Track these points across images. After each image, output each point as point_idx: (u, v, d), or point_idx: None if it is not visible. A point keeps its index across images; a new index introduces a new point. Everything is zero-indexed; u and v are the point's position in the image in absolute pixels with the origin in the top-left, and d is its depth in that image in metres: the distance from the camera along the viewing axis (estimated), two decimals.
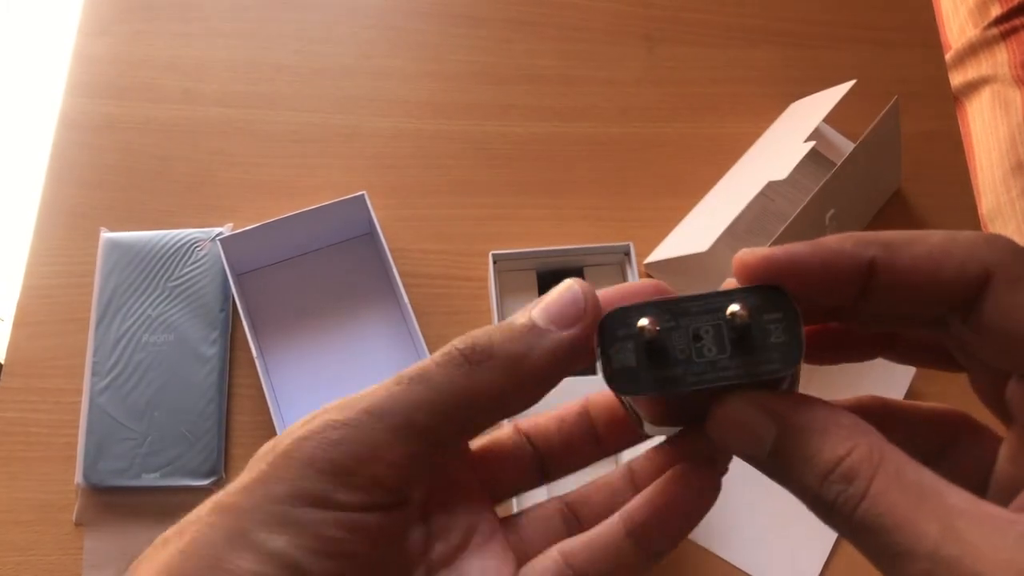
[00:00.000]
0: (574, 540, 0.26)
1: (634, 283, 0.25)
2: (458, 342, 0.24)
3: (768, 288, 0.23)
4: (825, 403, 0.22)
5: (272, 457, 0.23)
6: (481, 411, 0.24)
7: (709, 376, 0.23)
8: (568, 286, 0.24)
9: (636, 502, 0.25)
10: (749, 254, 0.23)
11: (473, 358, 0.23)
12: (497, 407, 0.24)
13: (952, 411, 0.26)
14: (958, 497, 0.20)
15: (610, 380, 0.23)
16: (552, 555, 0.25)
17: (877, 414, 0.26)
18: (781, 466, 0.22)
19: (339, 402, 0.24)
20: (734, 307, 0.22)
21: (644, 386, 0.23)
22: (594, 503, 0.28)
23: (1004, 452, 0.23)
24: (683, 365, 0.23)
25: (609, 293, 0.25)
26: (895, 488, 0.20)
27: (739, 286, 0.23)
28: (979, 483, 0.24)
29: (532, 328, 0.23)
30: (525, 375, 0.23)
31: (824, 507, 0.21)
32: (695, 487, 0.25)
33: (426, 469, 0.24)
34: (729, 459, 0.26)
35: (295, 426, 0.24)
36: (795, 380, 0.24)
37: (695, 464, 0.25)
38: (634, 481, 0.28)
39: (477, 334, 0.24)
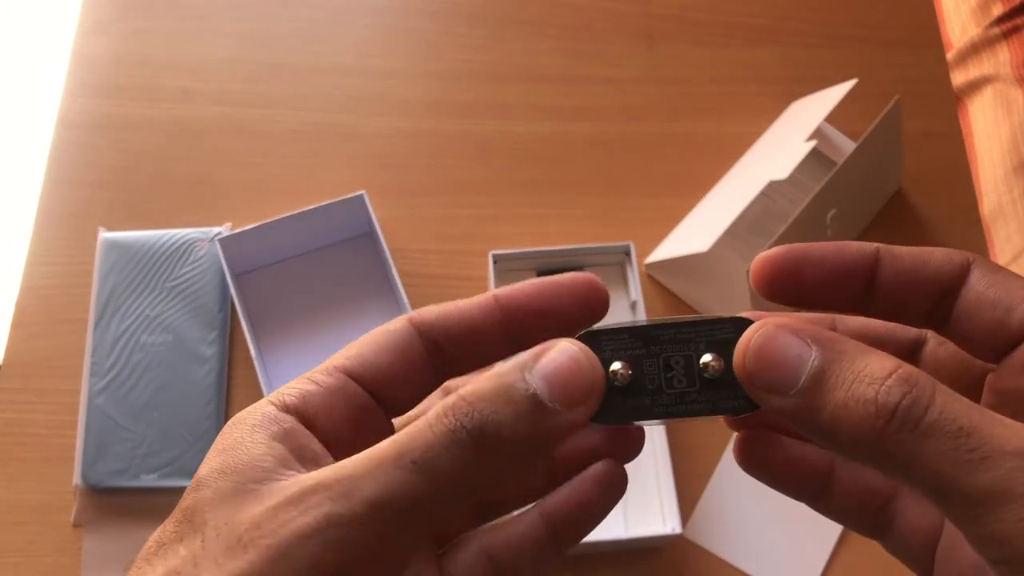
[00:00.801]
0: (495, 534, 0.26)
1: (554, 280, 0.25)
2: (464, 418, 0.21)
3: (738, 320, 0.23)
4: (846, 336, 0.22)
5: (266, 547, 0.20)
6: (483, 490, 0.22)
7: (677, 408, 0.23)
8: (568, 353, 0.22)
9: (556, 499, 0.26)
10: (766, 257, 0.24)
11: (481, 443, 0.21)
12: (500, 484, 0.22)
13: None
14: (995, 412, 0.20)
15: None
16: (473, 549, 0.25)
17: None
18: (819, 393, 0.21)
19: (333, 479, 0.21)
20: (707, 358, 0.23)
21: (612, 416, 0.23)
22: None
23: None
24: (652, 395, 0.23)
25: (526, 291, 0.25)
26: (956, 399, 0.20)
27: (709, 315, 0.23)
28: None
29: (538, 406, 0.21)
30: (534, 457, 0.22)
31: (884, 416, 0.20)
32: (614, 488, 0.25)
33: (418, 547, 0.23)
34: (637, 450, 0.26)
35: (289, 494, 0.21)
36: None
37: (613, 464, 0.26)
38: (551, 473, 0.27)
39: (482, 409, 0.21)
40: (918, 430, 0.19)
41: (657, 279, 0.65)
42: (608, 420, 0.23)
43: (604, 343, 0.23)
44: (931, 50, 0.75)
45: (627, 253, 0.62)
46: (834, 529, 0.58)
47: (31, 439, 0.59)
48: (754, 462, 0.26)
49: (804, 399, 0.21)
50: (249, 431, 0.23)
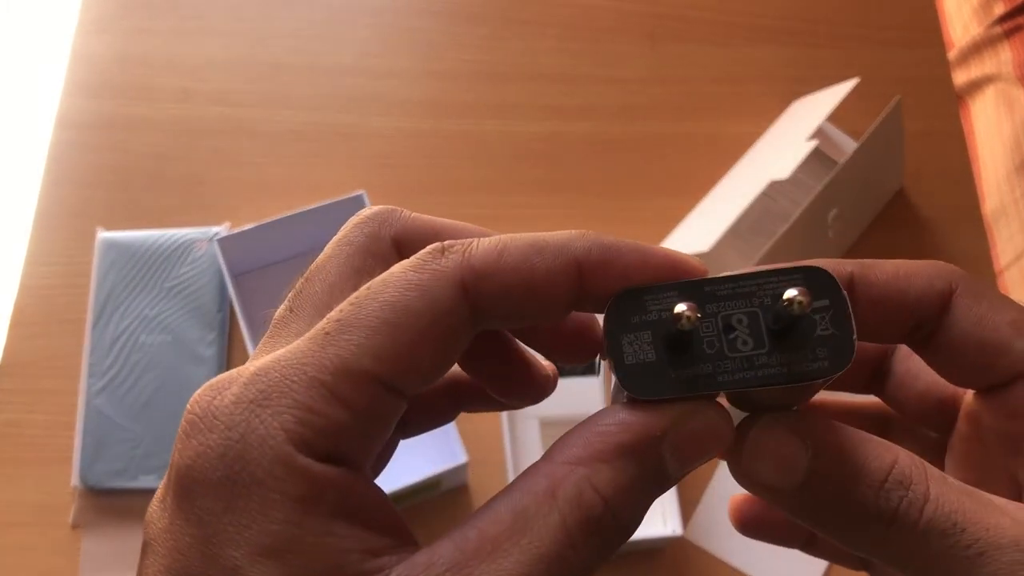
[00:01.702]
0: None
1: (654, 250, 0.20)
2: (603, 527, 0.18)
3: (809, 269, 0.19)
4: (839, 423, 0.21)
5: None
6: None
7: (745, 376, 0.19)
8: (714, 430, 0.19)
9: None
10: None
11: (607, 542, 0.18)
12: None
13: (876, 405, 0.26)
14: (994, 495, 0.20)
15: (624, 379, 0.19)
16: None
17: (883, 416, 0.26)
18: (818, 490, 0.20)
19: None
20: (792, 292, 0.18)
21: (666, 387, 0.19)
22: None
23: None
24: (712, 361, 0.19)
25: (623, 254, 0.20)
26: (950, 489, 0.19)
27: (773, 265, 0.20)
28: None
29: (663, 481, 0.19)
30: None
31: (884, 519, 0.19)
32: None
33: None
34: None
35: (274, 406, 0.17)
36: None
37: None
38: None
39: (621, 510, 0.18)
40: (916, 531, 0.19)
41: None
42: (661, 392, 0.19)
43: (649, 304, 0.19)
44: (933, 49, 0.74)
45: None
46: None
47: (29, 440, 0.58)
48: (751, 524, 0.27)
49: (802, 497, 0.20)
50: (297, 513, 0.17)
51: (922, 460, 0.20)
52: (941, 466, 0.23)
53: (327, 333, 0.18)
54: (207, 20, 0.72)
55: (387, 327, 0.18)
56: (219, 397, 0.18)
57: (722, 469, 0.59)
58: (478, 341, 0.20)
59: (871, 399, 0.27)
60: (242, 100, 0.69)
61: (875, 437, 0.20)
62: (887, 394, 0.25)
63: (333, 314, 0.18)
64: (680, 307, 0.19)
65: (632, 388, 0.19)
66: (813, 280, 0.19)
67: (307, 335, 0.18)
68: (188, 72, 0.70)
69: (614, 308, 0.19)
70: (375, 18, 0.73)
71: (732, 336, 0.19)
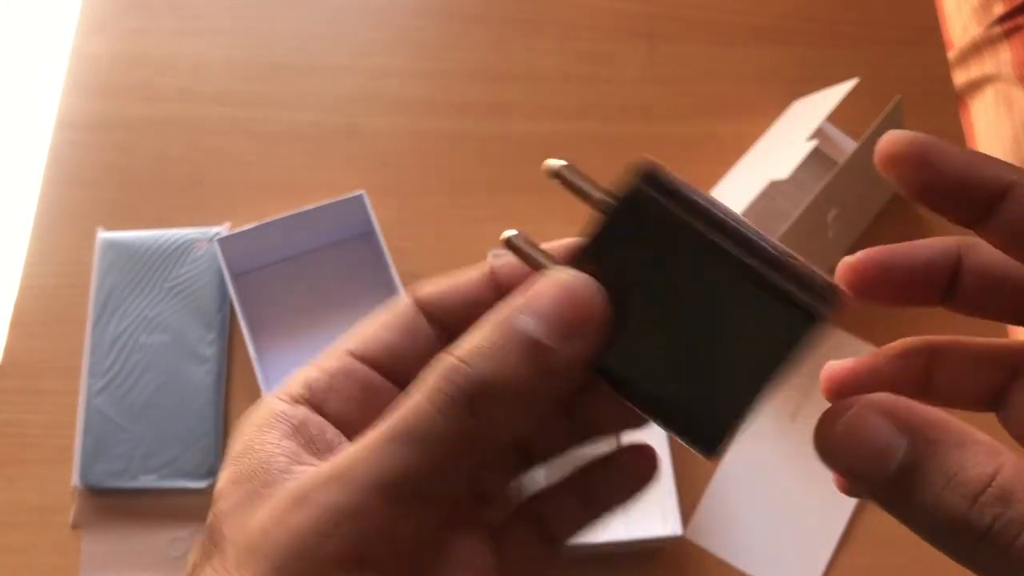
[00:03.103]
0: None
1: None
2: (459, 378, 0.20)
3: (828, 288, 0.21)
4: (950, 416, 0.20)
5: (277, 553, 0.20)
6: (491, 453, 0.21)
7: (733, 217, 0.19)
8: (563, 285, 0.21)
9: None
10: (892, 138, 0.22)
11: (479, 406, 0.20)
12: (507, 442, 0.21)
13: (1012, 345, 0.25)
14: None
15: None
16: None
17: (926, 354, 0.25)
18: (908, 489, 0.19)
19: (331, 471, 0.20)
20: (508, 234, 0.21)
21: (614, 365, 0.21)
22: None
23: None
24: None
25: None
26: None
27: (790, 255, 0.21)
28: None
29: (536, 348, 0.20)
30: (536, 408, 0.21)
31: (974, 534, 0.18)
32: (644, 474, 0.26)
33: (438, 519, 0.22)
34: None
35: (295, 494, 0.20)
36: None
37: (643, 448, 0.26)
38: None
39: (478, 365, 0.20)
40: (1009, 553, 0.18)
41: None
42: (608, 369, 0.20)
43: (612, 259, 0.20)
44: (933, 49, 0.75)
45: None
46: (836, 530, 0.58)
47: (29, 440, 0.58)
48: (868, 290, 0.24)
49: (891, 491, 0.19)
50: (257, 432, 0.22)
51: None
52: None
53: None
54: (207, 20, 0.72)
55: (361, 326, 0.25)
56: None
57: (721, 470, 0.59)
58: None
59: (1005, 341, 0.26)
60: (242, 100, 0.69)
61: (985, 439, 0.19)
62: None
63: None
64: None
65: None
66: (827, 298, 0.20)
67: None
68: (188, 72, 0.70)
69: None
70: (375, 18, 0.73)
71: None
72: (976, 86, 0.94)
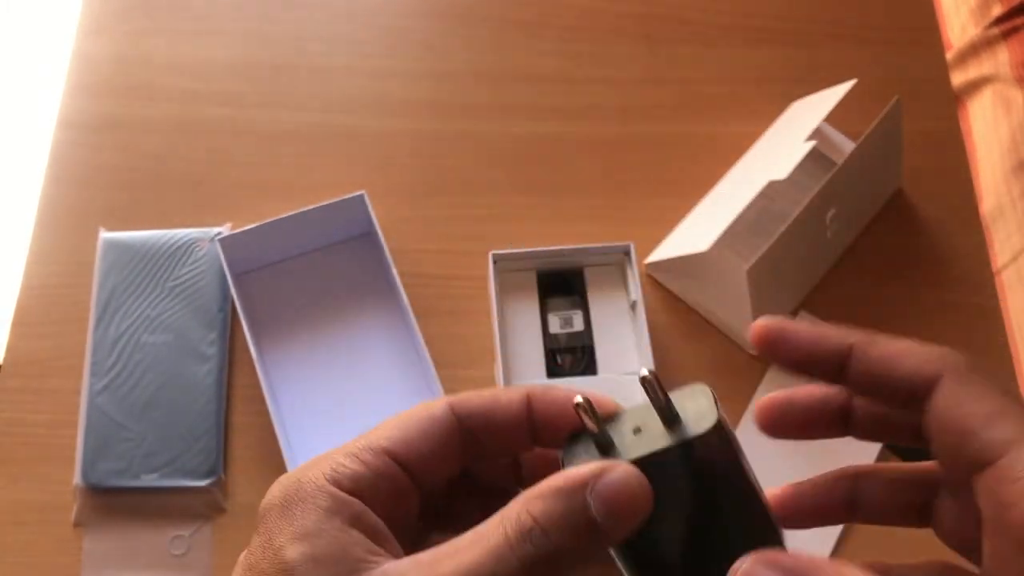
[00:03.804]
0: None
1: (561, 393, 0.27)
2: (539, 543, 0.23)
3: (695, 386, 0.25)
4: (826, 560, 0.24)
5: None
6: None
7: (645, 445, 0.24)
8: (628, 483, 0.23)
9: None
10: (757, 324, 0.27)
11: (546, 562, 0.23)
12: None
13: (929, 467, 0.28)
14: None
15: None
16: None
17: (852, 479, 0.29)
18: None
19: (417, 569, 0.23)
20: (644, 372, 0.24)
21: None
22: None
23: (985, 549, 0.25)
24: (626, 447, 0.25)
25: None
26: None
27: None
28: (966, 541, 0.26)
29: (593, 527, 0.23)
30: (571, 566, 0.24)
31: None
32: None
33: None
34: None
35: None
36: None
37: None
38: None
39: (553, 534, 0.23)
40: None
41: (657, 279, 0.65)
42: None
43: (582, 439, 0.25)
44: (931, 50, 0.75)
45: (627, 253, 0.62)
46: (834, 530, 0.58)
47: (31, 439, 0.59)
48: (777, 425, 0.29)
49: None
50: (326, 516, 0.24)
51: None
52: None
53: (362, 435, 0.26)
54: (208, 21, 0.72)
55: (399, 426, 0.26)
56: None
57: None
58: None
59: (924, 465, 0.29)
60: (243, 101, 0.69)
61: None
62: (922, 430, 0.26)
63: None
64: (590, 424, 0.25)
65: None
66: (691, 389, 0.25)
67: None
68: (189, 73, 0.70)
69: (567, 444, 0.26)
70: (375, 19, 0.73)
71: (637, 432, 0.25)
72: (974, 87, 0.94)
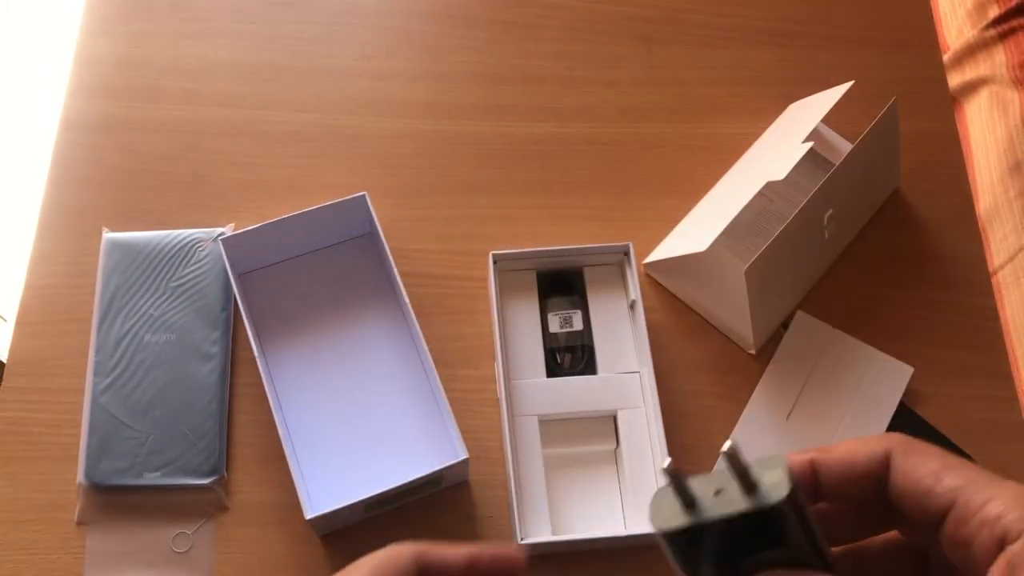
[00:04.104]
0: None
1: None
2: None
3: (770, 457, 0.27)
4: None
5: None
6: None
7: (725, 507, 0.26)
8: None
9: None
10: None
11: None
12: None
13: (878, 444, 0.30)
14: None
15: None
16: None
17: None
18: None
19: None
20: (727, 446, 0.26)
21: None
22: None
23: None
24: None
25: None
26: None
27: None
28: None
29: None
30: None
31: None
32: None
33: None
34: None
35: None
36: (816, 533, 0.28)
37: None
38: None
39: None
40: None
41: (656, 279, 0.65)
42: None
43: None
44: (928, 52, 0.75)
45: (626, 253, 0.62)
46: None
47: (35, 438, 0.59)
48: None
49: None
50: None
51: None
52: None
53: None
54: (210, 23, 0.72)
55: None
56: None
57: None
58: None
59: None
60: (245, 102, 0.70)
61: None
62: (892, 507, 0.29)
63: None
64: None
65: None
66: (767, 459, 0.27)
67: None
68: (191, 74, 0.70)
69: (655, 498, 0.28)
70: (376, 20, 0.74)
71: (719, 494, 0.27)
72: (971, 88, 0.95)
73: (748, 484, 0.26)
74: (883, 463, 0.28)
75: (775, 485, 0.26)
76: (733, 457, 0.26)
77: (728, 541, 0.27)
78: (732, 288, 0.59)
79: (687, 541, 0.28)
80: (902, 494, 0.28)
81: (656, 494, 0.28)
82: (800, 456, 0.29)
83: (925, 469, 0.27)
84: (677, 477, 0.27)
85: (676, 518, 0.27)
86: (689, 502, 0.27)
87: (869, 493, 0.29)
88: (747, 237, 0.64)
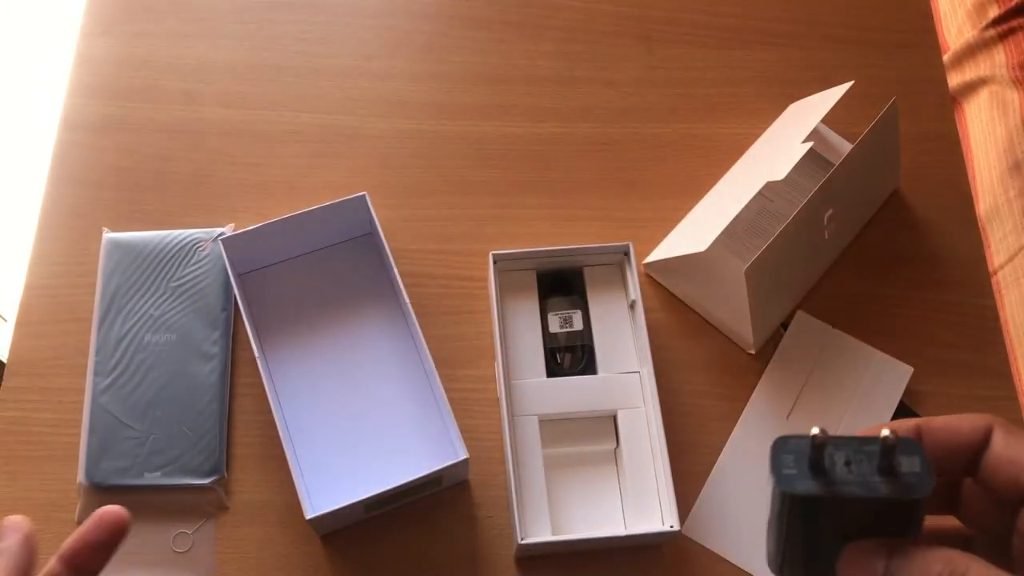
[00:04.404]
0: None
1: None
2: None
3: (902, 439, 0.27)
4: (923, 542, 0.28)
5: None
6: None
7: (863, 487, 0.26)
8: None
9: (71, 540, 0.34)
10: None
11: None
12: None
13: (980, 418, 0.31)
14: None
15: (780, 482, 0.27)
16: None
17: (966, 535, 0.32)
18: None
19: None
20: (885, 432, 0.26)
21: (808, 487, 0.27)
22: None
23: None
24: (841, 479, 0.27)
25: None
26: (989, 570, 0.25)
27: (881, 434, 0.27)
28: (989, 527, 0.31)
29: None
30: None
31: None
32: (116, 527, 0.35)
33: None
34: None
35: None
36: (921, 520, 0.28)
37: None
38: None
39: None
40: None
41: (656, 279, 0.66)
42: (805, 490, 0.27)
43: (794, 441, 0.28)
44: (928, 52, 0.75)
45: (626, 253, 0.62)
46: None
47: (35, 437, 0.59)
48: None
49: None
50: None
51: (972, 565, 0.26)
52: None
53: None
54: (210, 23, 0.73)
55: None
56: None
57: (719, 466, 0.60)
58: None
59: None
60: (245, 102, 0.70)
61: (943, 552, 0.26)
62: (980, 478, 0.30)
63: None
64: (815, 429, 0.26)
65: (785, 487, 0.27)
66: (904, 442, 0.27)
67: None
68: (191, 74, 0.70)
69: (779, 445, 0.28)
70: (376, 21, 0.74)
71: (851, 465, 0.27)
72: (971, 88, 0.95)
73: (886, 465, 0.26)
74: (984, 436, 0.29)
75: (918, 476, 0.26)
76: (888, 446, 0.26)
77: (846, 515, 0.27)
78: (732, 288, 0.59)
79: (804, 503, 0.27)
80: (997, 467, 0.29)
81: (778, 442, 0.27)
82: (906, 423, 0.30)
83: None
84: (822, 444, 0.26)
85: (805, 482, 0.26)
86: (818, 467, 0.26)
87: (962, 465, 0.30)
88: (747, 237, 0.64)
